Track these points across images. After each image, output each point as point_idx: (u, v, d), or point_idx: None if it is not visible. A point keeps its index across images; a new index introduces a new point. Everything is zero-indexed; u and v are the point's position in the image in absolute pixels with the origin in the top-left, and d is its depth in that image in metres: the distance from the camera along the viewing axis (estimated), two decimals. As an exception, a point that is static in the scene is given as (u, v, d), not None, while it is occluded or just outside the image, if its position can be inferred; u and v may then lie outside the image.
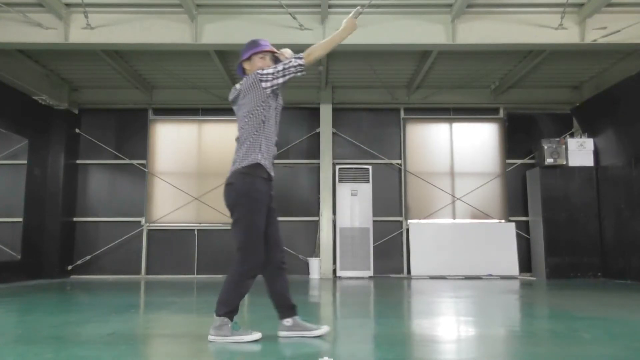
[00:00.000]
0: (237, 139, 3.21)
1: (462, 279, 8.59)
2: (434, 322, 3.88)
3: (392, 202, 9.63)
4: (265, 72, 3.15)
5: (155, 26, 6.83)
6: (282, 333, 3.18)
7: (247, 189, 3.07)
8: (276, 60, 3.36)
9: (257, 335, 3.06)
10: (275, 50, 3.35)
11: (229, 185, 3.14)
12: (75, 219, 9.47)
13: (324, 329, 3.18)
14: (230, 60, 8.45)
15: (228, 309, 3.03)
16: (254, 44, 3.32)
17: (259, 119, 3.14)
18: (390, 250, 9.47)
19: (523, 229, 9.44)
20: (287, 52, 3.38)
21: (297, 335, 3.13)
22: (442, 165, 9.78)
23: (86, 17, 6.61)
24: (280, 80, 3.16)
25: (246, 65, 3.32)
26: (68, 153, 9.30)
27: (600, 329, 3.49)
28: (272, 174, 3.20)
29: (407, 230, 9.39)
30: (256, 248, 3.05)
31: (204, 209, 9.47)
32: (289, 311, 3.20)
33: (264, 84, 3.13)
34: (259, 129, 3.14)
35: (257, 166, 3.10)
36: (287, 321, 3.18)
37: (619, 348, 2.84)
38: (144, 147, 9.72)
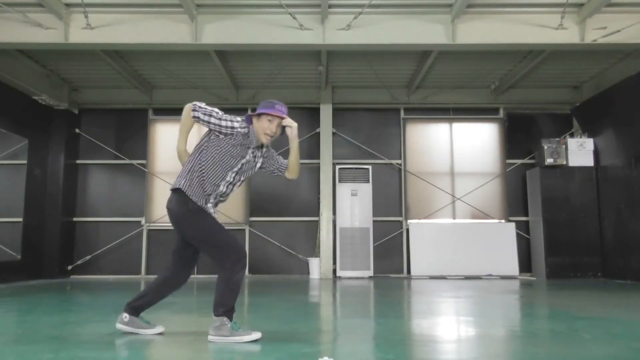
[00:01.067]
0: (190, 156, 3.25)
1: (462, 279, 8.59)
2: (434, 322, 3.88)
3: (392, 202, 9.64)
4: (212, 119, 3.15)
5: (155, 26, 6.83)
6: (119, 325, 3.28)
7: (185, 205, 3.08)
8: (283, 129, 3.28)
9: (256, 335, 3.06)
10: (285, 117, 3.25)
11: (169, 211, 3.16)
12: (75, 219, 9.47)
13: (158, 329, 3.31)
14: (230, 60, 8.45)
15: (226, 309, 3.04)
16: (270, 104, 3.24)
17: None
18: (390, 250, 9.47)
19: (523, 229, 9.44)
20: (295, 128, 3.31)
21: (129, 331, 3.25)
22: (442, 165, 9.78)
23: (86, 17, 6.61)
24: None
25: (254, 119, 3.25)
26: (68, 153, 9.30)
27: (601, 329, 3.49)
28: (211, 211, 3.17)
29: (407, 230, 9.39)
30: (228, 247, 3.08)
31: (204, 209, 9.45)
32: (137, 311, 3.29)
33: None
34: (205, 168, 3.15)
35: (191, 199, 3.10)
36: (125, 317, 3.27)
37: (619, 348, 2.84)
38: (144, 147, 9.73)
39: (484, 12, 6.84)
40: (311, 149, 9.66)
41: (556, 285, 7.31)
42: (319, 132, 9.49)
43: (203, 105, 3.19)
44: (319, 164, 9.38)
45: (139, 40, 6.83)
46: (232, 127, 3.13)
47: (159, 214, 9.52)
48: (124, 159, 9.64)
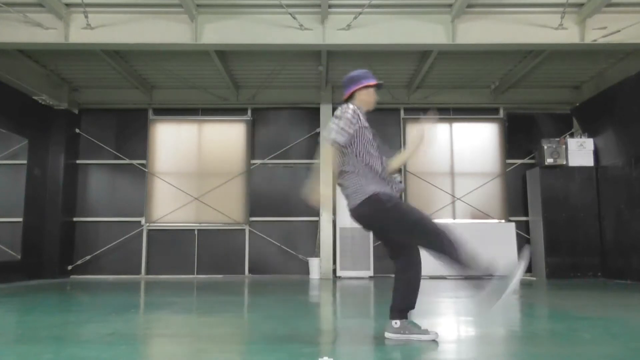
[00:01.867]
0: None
1: (462, 279, 8.59)
2: (434, 322, 3.88)
3: (392, 202, 9.62)
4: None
5: (155, 26, 6.83)
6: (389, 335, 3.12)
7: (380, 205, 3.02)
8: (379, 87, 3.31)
9: (434, 335, 3.05)
10: (379, 83, 3.29)
11: (367, 218, 3.12)
12: (75, 219, 9.47)
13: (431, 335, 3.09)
14: (230, 60, 8.45)
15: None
16: (370, 74, 3.26)
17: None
18: (390, 250, 9.45)
19: (523, 229, 9.44)
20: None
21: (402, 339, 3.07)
22: (442, 165, 9.78)
23: (86, 17, 6.61)
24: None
25: (362, 92, 3.28)
26: (68, 153, 9.30)
27: (600, 329, 3.49)
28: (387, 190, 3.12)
29: (407, 230, 9.37)
30: (437, 230, 2.97)
31: (204, 209, 9.47)
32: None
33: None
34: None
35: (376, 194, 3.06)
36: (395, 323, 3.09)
37: (618, 348, 2.84)
38: (144, 147, 9.72)
39: (484, 12, 6.84)
40: (311, 149, 9.65)
41: (556, 285, 7.31)
42: (319, 132, 9.49)
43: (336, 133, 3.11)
44: (319, 164, 9.38)
45: (139, 40, 6.83)
46: (352, 126, 3.12)
47: (159, 214, 9.52)
48: (124, 159, 9.64)
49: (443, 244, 2.90)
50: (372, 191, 3.03)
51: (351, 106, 3.17)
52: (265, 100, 9.69)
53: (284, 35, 6.82)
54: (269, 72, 8.85)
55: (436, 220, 3.07)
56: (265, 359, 2.62)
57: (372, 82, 3.25)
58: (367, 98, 3.26)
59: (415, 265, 3.09)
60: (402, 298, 3.06)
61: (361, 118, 3.20)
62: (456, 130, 9.90)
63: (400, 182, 3.21)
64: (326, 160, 3.15)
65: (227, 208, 9.43)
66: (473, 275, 2.91)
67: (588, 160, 8.85)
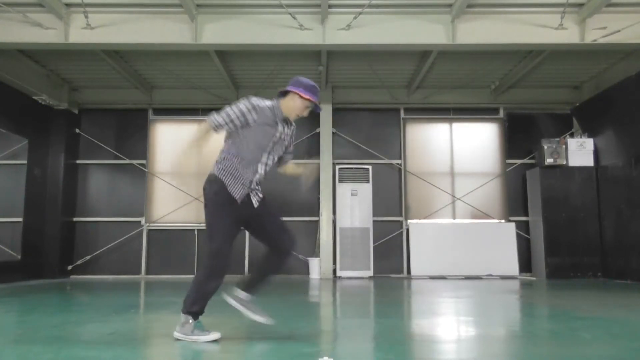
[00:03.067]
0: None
1: (462, 279, 8.59)
2: (434, 322, 3.88)
3: (392, 202, 9.63)
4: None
5: (155, 26, 6.83)
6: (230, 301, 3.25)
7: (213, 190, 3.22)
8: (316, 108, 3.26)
9: (215, 335, 3.05)
10: (315, 102, 3.21)
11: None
12: (75, 219, 9.47)
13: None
14: (230, 60, 8.45)
15: (188, 310, 3.08)
16: (314, 90, 3.19)
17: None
18: (390, 250, 9.47)
19: (523, 229, 9.44)
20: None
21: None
22: (442, 165, 9.78)
23: (86, 17, 6.61)
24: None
25: (291, 96, 3.18)
26: (68, 153, 9.30)
27: (600, 329, 3.49)
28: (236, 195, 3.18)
29: (407, 230, 9.39)
30: (218, 250, 3.09)
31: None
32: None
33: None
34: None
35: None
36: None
37: (619, 348, 2.84)
38: (144, 147, 9.72)
39: (484, 12, 6.85)
40: (311, 149, 9.65)
41: (556, 285, 7.31)
42: (319, 132, 9.48)
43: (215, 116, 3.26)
44: (319, 164, 9.38)
45: (139, 40, 6.83)
46: (246, 119, 3.12)
47: (159, 214, 9.52)
48: (124, 159, 9.64)
49: (207, 269, 3.07)
50: (218, 172, 3.18)
51: (253, 99, 3.14)
52: (265, 100, 9.68)
53: (284, 35, 6.82)
54: (269, 72, 8.85)
55: (224, 248, 3.08)
56: (265, 359, 2.62)
57: (307, 96, 3.13)
58: (292, 104, 3.15)
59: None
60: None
61: (261, 114, 3.11)
62: (456, 130, 9.90)
63: (259, 194, 3.29)
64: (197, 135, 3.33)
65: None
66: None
67: (588, 160, 8.85)
